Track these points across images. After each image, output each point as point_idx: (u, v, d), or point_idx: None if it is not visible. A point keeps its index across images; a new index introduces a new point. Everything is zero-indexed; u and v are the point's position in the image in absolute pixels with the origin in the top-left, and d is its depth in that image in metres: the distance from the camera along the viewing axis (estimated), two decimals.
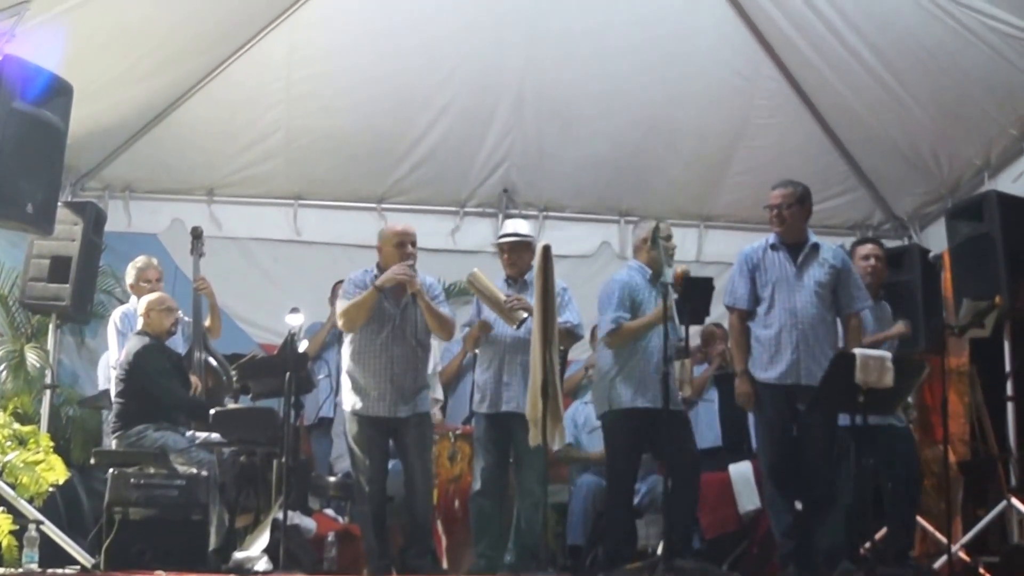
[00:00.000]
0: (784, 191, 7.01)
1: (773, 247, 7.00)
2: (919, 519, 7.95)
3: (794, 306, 6.80)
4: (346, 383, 7.07)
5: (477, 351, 7.66)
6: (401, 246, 6.95)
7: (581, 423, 8.53)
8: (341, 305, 6.94)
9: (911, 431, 7.43)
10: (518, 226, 7.64)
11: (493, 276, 7.40)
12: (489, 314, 7.35)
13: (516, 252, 7.40)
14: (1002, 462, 8.00)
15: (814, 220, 7.30)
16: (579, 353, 9.03)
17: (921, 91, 8.45)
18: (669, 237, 7.27)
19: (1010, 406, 7.98)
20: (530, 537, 7.15)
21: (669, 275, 6.77)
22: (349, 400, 7.03)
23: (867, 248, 7.62)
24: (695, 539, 7.53)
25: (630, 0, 8.85)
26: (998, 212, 7.86)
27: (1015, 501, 7.57)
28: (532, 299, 7.02)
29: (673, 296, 6.70)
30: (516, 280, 7.39)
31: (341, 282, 9.03)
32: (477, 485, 7.28)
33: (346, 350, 7.11)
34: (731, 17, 8.93)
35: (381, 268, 7.01)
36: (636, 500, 7.61)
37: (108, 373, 8.01)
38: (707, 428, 8.59)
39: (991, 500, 7.88)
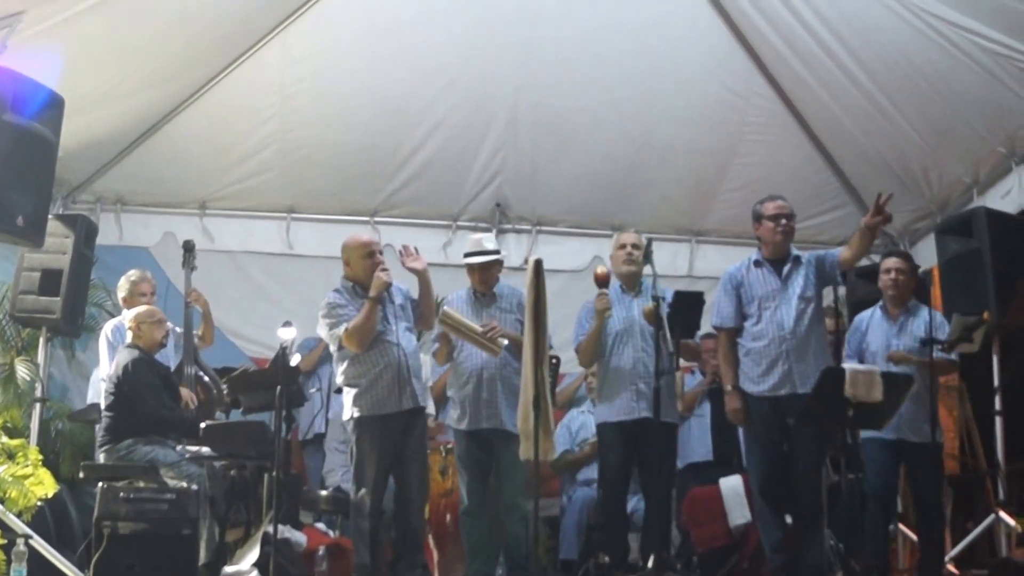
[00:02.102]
0: (785, 202, 7.07)
1: (757, 263, 7.04)
2: (906, 530, 7.99)
3: (782, 319, 6.85)
4: (349, 391, 6.95)
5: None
6: (371, 256, 6.95)
7: (575, 430, 8.56)
8: (337, 330, 6.82)
9: (939, 445, 7.43)
10: (484, 242, 7.61)
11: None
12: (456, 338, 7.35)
13: (485, 269, 7.41)
14: (991, 477, 8.02)
15: (805, 235, 7.31)
16: (572, 367, 9.04)
17: (911, 109, 8.50)
18: (636, 246, 7.28)
19: (998, 421, 8.02)
20: (519, 551, 7.15)
21: (660, 289, 6.79)
22: (355, 406, 6.90)
23: (889, 262, 7.61)
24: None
25: (624, 15, 8.85)
26: (987, 228, 7.90)
27: (1004, 515, 7.60)
28: (498, 313, 7.29)
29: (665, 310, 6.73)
30: (485, 294, 7.40)
31: None
32: (465, 503, 7.31)
33: (343, 359, 6.99)
34: (724, 34, 8.97)
35: (353, 281, 7.00)
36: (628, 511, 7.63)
37: (99, 387, 7.99)
38: (699, 442, 8.60)
39: (980, 514, 7.91)
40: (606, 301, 7.13)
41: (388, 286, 6.86)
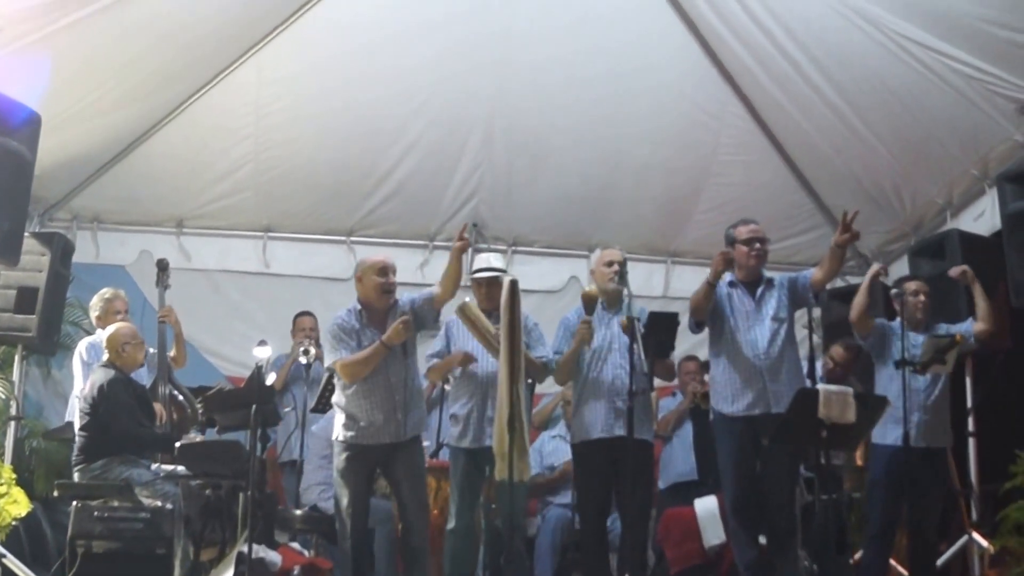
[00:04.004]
0: (758, 226, 7.09)
1: (732, 284, 7.07)
2: None
3: (755, 339, 6.89)
4: (340, 414, 6.88)
5: (447, 386, 7.62)
6: (383, 273, 6.86)
7: (546, 454, 8.56)
8: (339, 357, 6.74)
9: (946, 453, 7.52)
10: (493, 260, 7.63)
11: None
12: (465, 344, 7.34)
13: (493, 286, 7.34)
14: (964, 497, 8.05)
15: (779, 256, 7.31)
16: (548, 387, 9.04)
17: (885, 131, 8.56)
18: (611, 263, 7.23)
19: (971, 442, 8.06)
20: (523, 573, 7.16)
21: (636, 310, 6.78)
22: (341, 430, 6.84)
23: (914, 284, 7.60)
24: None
25: (597, 34, 8.91)
26: (960, 250, 7.96)
27: (976, 536, 7.64)
28: None
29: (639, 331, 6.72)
30: (491, 313, 7.33)
31: (303, 314, 9.08)
32: (453, 522, 7.18)
33: (344, 386, 6.90)
34: (698, 55, 9.03)
35: (363, 303, 6.89)
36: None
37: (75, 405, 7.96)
38: (682, 461, 8.63)
39: (953, 535, 7.92)
40: (589, 330, 7.00)
41: (402, 340, 6.73)
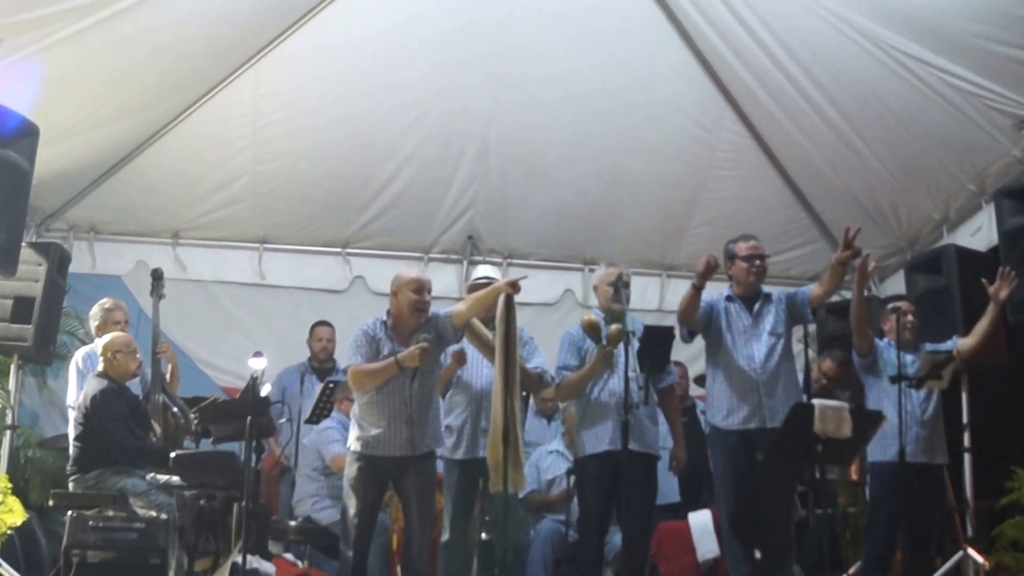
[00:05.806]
0: (758, 242, 7.09)
1: (729, 299, 7.07)
2: None
3: (752, 354, 6.89)
4: (354, 424, 6.78)
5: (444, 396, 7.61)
6: (419, 292, 6.74)
7: (544, 468, 8.54)
8: (353, 362, 6.65)
9: (943, 470, 7.55)
10: (490, 271, 7.65)
11: None
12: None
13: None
14: (959, 513, 8.05)
15: (775, 271, 7.28)
16: None
17: (881, 146, 8.58)
18: (627, 283, 7.20)
19: (967, 457, 8.06)
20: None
21: (630, 324, 6.76)
22: (354, 440, 6.72)
23: (902, 305, 7.56)
24: None
25: (594, 50, 8.92)
26: (956, 266, 7.98)
27: (972, 552, 7.62)
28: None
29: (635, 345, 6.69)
30: (488, 324, 7.32)
31: (321, 324, 9.10)
32: (446, 535, 7.15)
33: (359, 396, 6.81)
34: (695, 69, 9.04)
35: (393, 315, 6.78)
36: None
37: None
38: (664, 483, 8.58)
39: (948, 550, 7.92)
40: (610, 361, 6.86)
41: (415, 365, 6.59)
